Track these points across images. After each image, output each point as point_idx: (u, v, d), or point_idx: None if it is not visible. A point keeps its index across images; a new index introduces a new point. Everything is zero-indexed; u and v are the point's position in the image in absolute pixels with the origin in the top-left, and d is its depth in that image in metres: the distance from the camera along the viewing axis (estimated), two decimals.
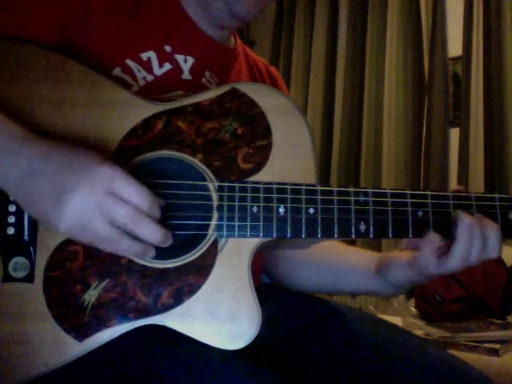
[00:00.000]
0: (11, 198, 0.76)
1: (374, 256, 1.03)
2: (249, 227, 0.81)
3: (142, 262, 0.79)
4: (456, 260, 0.86)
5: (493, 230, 0.87)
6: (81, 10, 0.92)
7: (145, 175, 0.80)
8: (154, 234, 0.73)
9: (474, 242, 0.85)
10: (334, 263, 1.07)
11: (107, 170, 0.72)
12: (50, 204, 0.71)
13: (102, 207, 0.71)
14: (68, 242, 0.78)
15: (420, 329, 2.11)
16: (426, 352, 0.93)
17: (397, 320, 2.17)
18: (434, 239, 0.87)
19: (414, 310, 2.37)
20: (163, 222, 0.76)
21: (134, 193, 0.72)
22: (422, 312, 2.33)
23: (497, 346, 1.86)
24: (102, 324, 0.77)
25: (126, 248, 0.74)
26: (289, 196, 0.82)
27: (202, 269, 0.80)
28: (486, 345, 1.88)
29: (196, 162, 0.83)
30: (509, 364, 1.82)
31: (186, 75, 1.01)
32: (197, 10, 1.04)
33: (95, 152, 0.75)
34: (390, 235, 0.85)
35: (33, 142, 0.74)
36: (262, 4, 1.01)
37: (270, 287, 1.12)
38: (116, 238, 0.72)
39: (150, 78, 0.96)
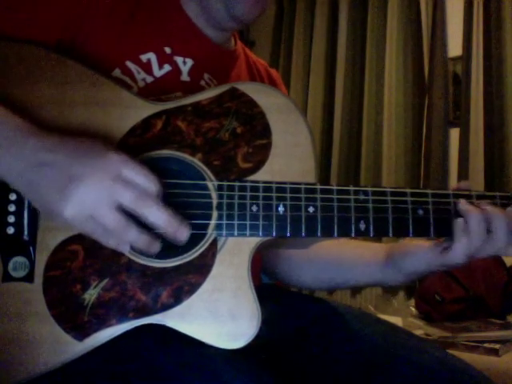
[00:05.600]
0: (12, 187, 0.76)
1: (382, 245, 1.01)
2: (248, 226, 0.81)
3: (141, 262, 0.79)
4: (459, 254, 0.85)
5: (499, 219, 0.84)
6: (81, 10, 0.92)
7: None
8: (163, 217, 0.73)
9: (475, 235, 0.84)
10: (337, 256, 1.06)
11: (114, 156, 0.72)
12: (56, 194, 0.71)
13: (110, 193, 0.70)
14: (68, 241, 0.78)
15: (420, 329, 2.11)
16: (426, 352, 0.93)
17: (397, 320, 2.17)
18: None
19: (413, 309, 2.37)
20: None
21: (143, 177, 0.72)
22: (421, 312, 2.33)
23: (497, 346, 1.86)
24: (101, 323, 0.77)
25: (131, 238, 0.72)
26: (288, 195, 0.82)
27: (201, 268, 0.80)
28: (486, 345, 1.88)
29: (195, 161, 0.82)
30: (509, 364, 1.82)
31: (185, 77, 1.01)
32: (197, 12, 1.04)
33: (101, 141, 0.75)
34: (391, 234, 0.85)
35: (38, 135, 0.74)
36: (261, 5, 1.00)
37: (270, 287, 1.12)
38: (122, 226, 0.71)
39: (149, 79, 0.96)
